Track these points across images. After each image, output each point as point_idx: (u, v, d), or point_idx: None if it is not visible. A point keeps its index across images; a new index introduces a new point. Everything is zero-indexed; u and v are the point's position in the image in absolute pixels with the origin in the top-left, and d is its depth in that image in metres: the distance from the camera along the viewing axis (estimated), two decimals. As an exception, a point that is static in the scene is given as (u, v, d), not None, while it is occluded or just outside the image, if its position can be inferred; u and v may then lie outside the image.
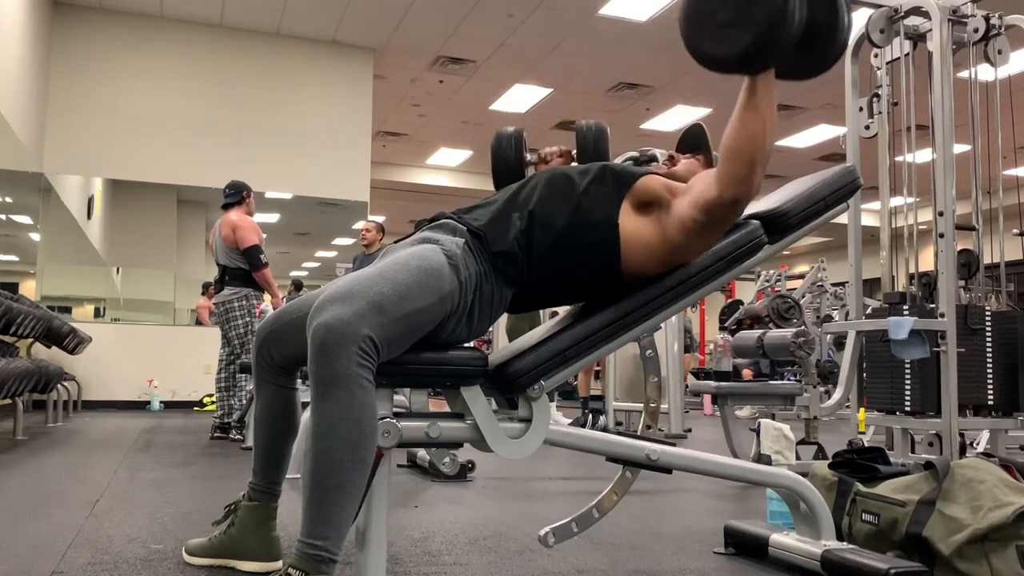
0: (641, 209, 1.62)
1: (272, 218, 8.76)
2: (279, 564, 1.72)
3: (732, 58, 1.36)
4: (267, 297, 5.18)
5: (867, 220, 4.59)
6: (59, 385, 5.57)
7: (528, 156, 1.96)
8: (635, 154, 2.00)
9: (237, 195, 5.01)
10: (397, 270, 1.43)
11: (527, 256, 1.57)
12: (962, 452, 3.14)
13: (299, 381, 1.76)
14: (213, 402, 5.41)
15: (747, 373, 8.41)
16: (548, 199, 1.61)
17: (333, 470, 1.30)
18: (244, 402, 4.85)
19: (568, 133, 10.36)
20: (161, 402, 7.48)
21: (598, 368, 6.65)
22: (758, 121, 1.41)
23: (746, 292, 11.10)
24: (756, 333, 4.73)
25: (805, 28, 1.34)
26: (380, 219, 10.81)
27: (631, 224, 1.60)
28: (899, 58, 3.54)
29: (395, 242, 1.66)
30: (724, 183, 1.47)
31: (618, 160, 2.26)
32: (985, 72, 3.54)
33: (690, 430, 5.87)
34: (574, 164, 1.94)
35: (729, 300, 10.32)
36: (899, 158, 3.56)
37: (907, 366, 3.22)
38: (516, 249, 1.56)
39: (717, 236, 1.62)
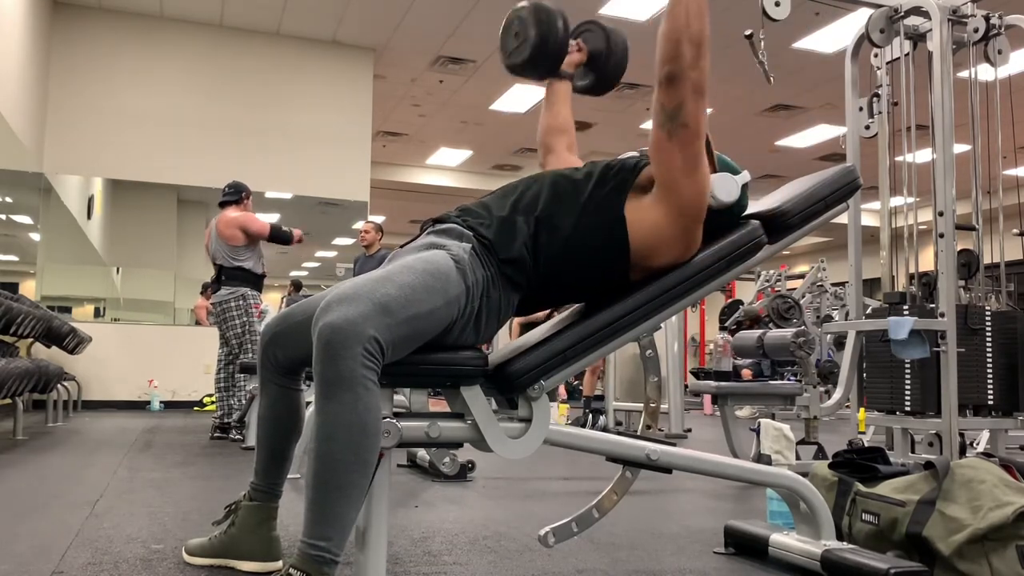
0: (643, 193, 1.62)
1: (272, 218, 8.73)
2: (279, 564, 1.72)
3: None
4: (267, 296, 5.18)
5: (867, 220, 4.59)
6: (59, 385, 5.57)
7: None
8: (635, 154, 1.99)
9: (236, 194, 5.00)
10: (404, 273, 1.42)
11: (535, 261, 1.57)
12: (962, 452, 3.14)
13: (304, 382, 1.76)
14: (213, 402, 5.42)
15: (747, 373, 8.42)
16: (553, 204, 1.61)
17: (336, 471, 1.30)
18: (243, 402, 4.85)
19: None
20: (161, 402, 7.48)
21: (602, 368, 6.65)
22: (680, 5, 1.54)
23: (746, 292, 11.10)
24: (756, 333, 4.73)
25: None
26: (380, 219, 10.81)
27: (637, 210, 1.60)
28: (899, 58, 3.54)
29: (401, 246, 1.66)
30: (657, 65, 1.55)
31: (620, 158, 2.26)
32: (985, 72, 3.54)
33: (690, 430, 5.87)
34: (580, 81, 2.03)
35: (729, 300, 10.32)
36: (899, 158, 3.56)
37: (907, 366, 3.22)
38: (524, 255, 1.56)
39: (695, 148, 1.57)
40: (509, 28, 1.94)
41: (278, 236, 4.94)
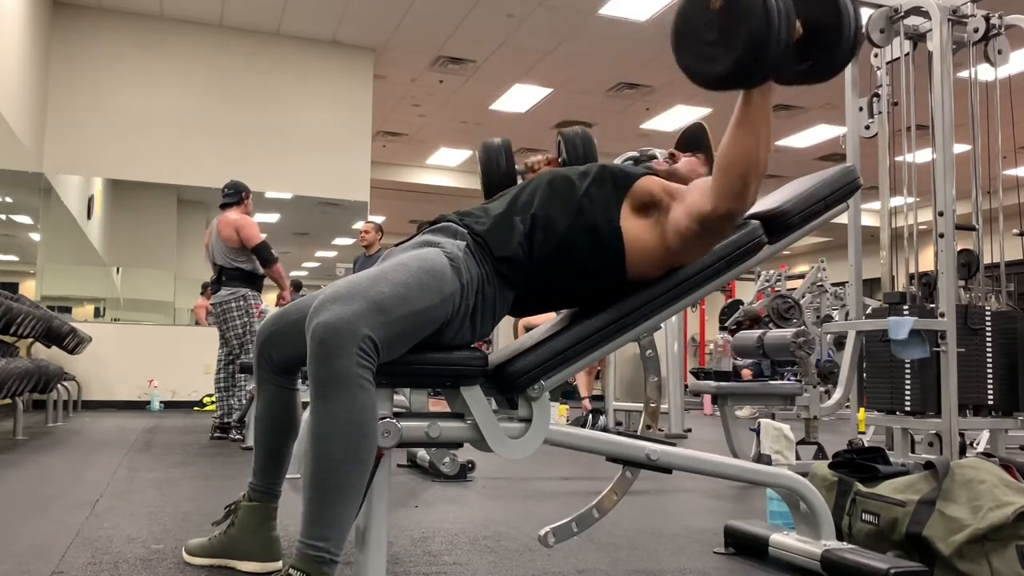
0: (640, 211, 1.61)
1: (272, 218, 8.76)
2: (279, 564, 1.72)
3: (717, 77, 1.34)
4: (267, 297, 5.18)
5: (867, 220, 4.59)
6: (59, 385, 5.57)
7: (516, 166, 1.97)
8: (635, 154, 2.00)
9: (236, 195, 5.00)
10: (398, 271, 1.42)
11: (529, 259, 1.57)
12: (962, 452, 3.14)
13: (300, 382, 1.76)
14: (213, 402, 5.42)
15: (747, 373, 8.41)
16: (550, 202, 1.61)
17: (333, 471, 1.30)
18: (243, 402, 4.85)
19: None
20: (161, 402, 7.48)
21: (599, 368, 6.65)
22: (752, 136, 1.39)
23: (746, 292, 11.10)
24: (756, 333, 4.73)
25: (809, 30, 1.34)
26: (380, 219, 10.81)
27: (631, 227, 1.60)
28: (899, 58, 3.54)
29: (396, 245, 1.66)
30: (718, 196, 1.46)
31: (618, 160, 2.26)
32: (985, 72, 3.54)
33: (690, 430, 5.87)
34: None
35: (729, 300, 10.32)
36: (899, 158, 3.56)
37: (907, 366, 3.21)
38: (519, 253, 1.56)
39: (713, 245, 1.62)
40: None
41: (263, 253, 4.87)
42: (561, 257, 1.59)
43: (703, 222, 1.50)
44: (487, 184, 1.94)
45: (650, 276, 1.63)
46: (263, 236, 4.89)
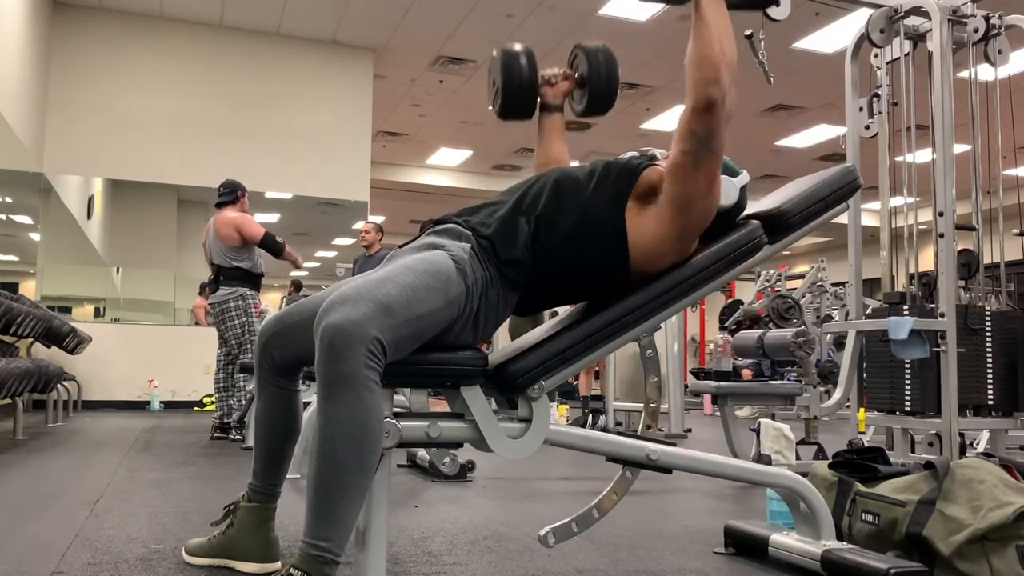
0: (644, 201, 1.62)
1: (272, 218, 8.76)
2: (278, 565, 1.72)
3: None
4: (266, 296, 5.17)
5: (867, 220, 4.59)
6: (59, 385, 5.57)
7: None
8: (635, 154, 1.99)
9: (232, 194, 4.99)
10: (404, 273, 1.43)
11: (534, 261, 1.57)
12: (962, 452, 3.14)
13: (301, 382, 1.76)
14: (213, 402, 5.42)
15: (747, 373, 8.41)
16: (555, 203, 1.61)
17: (338, 471, 1.30)
18: (243, 402, 4.85)
19: (570, 132, 10.35)
20: (161, 402, 7.48)
21: (597, 368, 6.66)
22: (711, 33, 1.52)
23: (746, 292, 11.10)
24: (756, 333, 4.73)
25: None
26: (380, 219, 10.81)
27: (638, 216, 1.60)
28: (899, 58, 3.54)
29: (400, 246, 1.66)
30: (693, 91, 1.53)
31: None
32: (985, 72, 3.54)
33: (690, 430, 5.87)
34: (577, 105, 1.93)
35: (729, 300, 10.32)
36: (899, 158, 3.55)
37: (907, 366, 3.21)
38: (525, 255, 1.56)
39: (712, 174, 1.58)
40: (488, 79, 1.92)
41: (270, 245, 4.89)
42: (566, 258, 1.59)
43: (692, 130, 1.54)
44: (508, 93, 1.82)
45: (657, 266, 1.62)
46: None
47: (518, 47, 1.84)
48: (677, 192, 1.58)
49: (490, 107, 1.93)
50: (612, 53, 1.88)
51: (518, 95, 1.83)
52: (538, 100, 1.91)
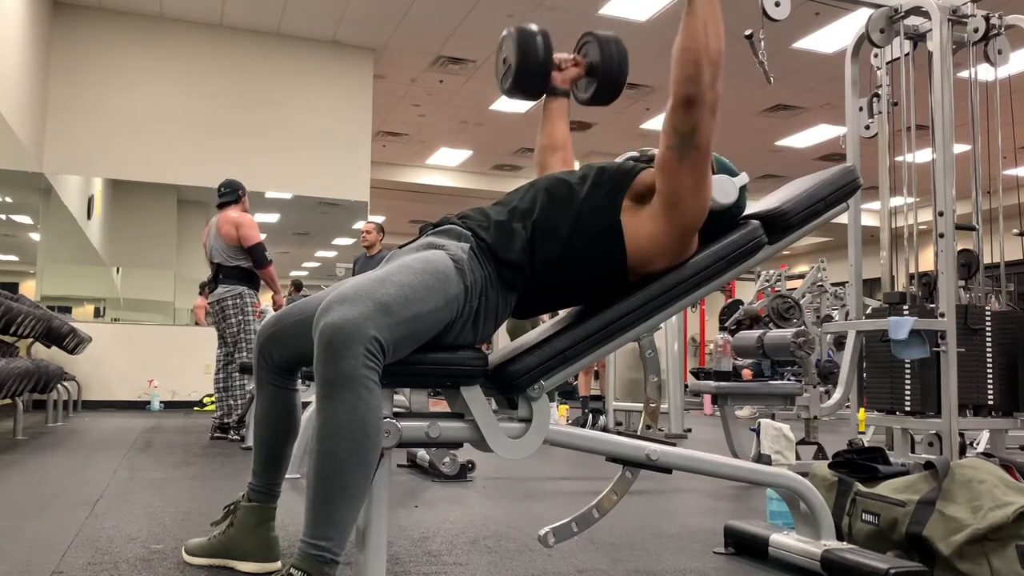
0: (640, 203, 1.62)
1: (272, 218, 8.76)
2: (278, 565, 1.72)
3: None
4: (265, 297, 5.17)
5: (867, 220, 4.59)
6: (59, 385, 5.57)
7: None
8: (635, 154, 1.99)
9: (233, 194, 5.00)
10: (403, 273, 1.43)
11: (532, 265, 1.57)
12: (962, 452, 3.14)
13: (300, 382, 1.76)
14: (213, 402, 5.42)
15: (747, 373, 8.41)
16: (549, 208, 1.61)
17: (338, 471, 1.30)
18: (243, 402, 4.85)
19: (573, 132, 10.33)
20: (161, 402, 7.48)
21: (597, 368, 6.65)
22: (698, 22, 1.49)
23: (746, 292, 11.10)
24: (756, 333, 4.73)
25: None
26: (380, 219, 10.81)
27: (634, 218, 1.60)
28: (899, 58, 3.54)
29: (400, 247, 1.66)
30: (675, 87, 1.52)
31: (618, 160, 2.25)
32: (985, 72, 3.54)
33: (690, 430, 5.87)
34: (583, 92, 1.92)
35: (729, 300, 10.32)
36: (899, 158, 3.55)
37: (907, 366, 3.21)
38: (523, 259, 1.56)
39: (701, 171, 1.57)
40: (498, 55, 1.90)
41: (259, 254, 4.87)
42: (564, 262, 1.59)
43: (675, 127, 1.53)
44: (521, 72, 1.79)
45: (654, 268, 1.62)
46: (262, 237, 4.90)
47: (534, 27, 1.84)
48: (665, 188, 1.58)
49: (499, 83, 1.91)
50: (624, 45, 1.88)
51: (530, 74, 1.82)
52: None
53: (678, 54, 1.51)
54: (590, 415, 5.94)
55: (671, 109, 1.54)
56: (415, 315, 1.39)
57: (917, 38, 3.51)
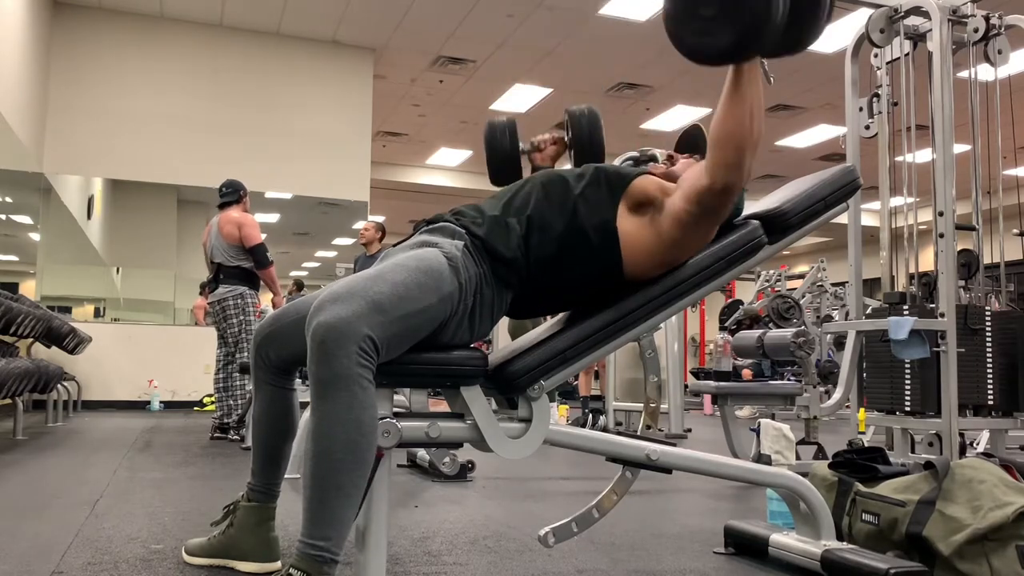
0: (637, 210, 1.61)
1: (272, 218, 8.76)
2: (278, 564, 1.72)
3: (719, 52, 1.36)
4: (264, 297, 5.17)
5: (867, 220, 4.59)
6: (59, 385, 5.57)
7: (521, 145, 1.98)
8: (635, 154, 2.00)
9: (235, 194, 5.00)
10: (396, 271, 1.42)
11: (527, 262, 1.57)
12: (962, 452, 3.14)
13: (298, 381, 1.76)
14: (213, 402, 5.42)
15: (747, 373, 8.41)
16: (544, 204, 1.60)
17: (334, 470, 1.30)
18: (243, 402, 4.85)
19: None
20: (161, 402, 7.48)
21: (597, 368, 6.65)
22: (744, 107, 1.41)
23: (746, 292, 11.09)
24: (756, 333, 4.73)
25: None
26: (380, 219, 10.80)
27: (628, 226, 1.60)
28: (899, 58, 3.54)
29: (394, 245, 1.66)
30: (714, 171, 1.47)
31: (618, 160, 2.26)
32: (985, 72, 3.54)
33: (690, 430, 5.87)
34: (567, 167, 1.94)
35: (729, 300, 10.32)
36: (899, 158, 3.55)
37: (907, 366, 3.21)
38: (518, 255, 1.56)
39: (712, 229, 1.61)
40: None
41: (261, 254, 4.88)
42: (558, 259, 1.58)
43: (701, 201, 1.51)
44: (492, 164, 1.97)
45: (648, 276, 1.62)
46: (263, 237, 4.90)
47: (501, 120, 1.99)
48: (671, 237, 1.58)
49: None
50: (596, 114, 1.92)
51: (502, 166, 1.97)
52: (528, 162, 2.00)
53: (721, 138, 1.44)
54: (590, 415, 5.94)
55: (706, 189, 1.49)
56: (408, 313, 1.38)
57: (917, 38, 3.51)
